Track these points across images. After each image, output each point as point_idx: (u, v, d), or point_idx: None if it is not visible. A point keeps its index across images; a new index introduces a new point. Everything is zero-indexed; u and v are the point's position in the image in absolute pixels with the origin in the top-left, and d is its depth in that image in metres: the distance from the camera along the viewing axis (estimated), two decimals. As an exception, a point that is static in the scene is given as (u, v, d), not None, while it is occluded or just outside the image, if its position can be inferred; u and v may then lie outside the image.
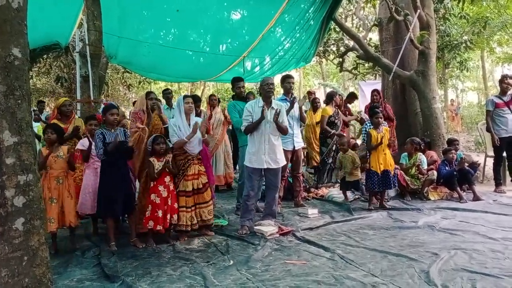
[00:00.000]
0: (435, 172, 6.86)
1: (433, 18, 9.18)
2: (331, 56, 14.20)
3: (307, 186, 7.67)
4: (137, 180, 5.35)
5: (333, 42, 13.25)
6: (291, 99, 6.09)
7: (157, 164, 4.76)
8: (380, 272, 3.63)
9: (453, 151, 7.01)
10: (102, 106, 5.69)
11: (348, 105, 9.42)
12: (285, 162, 5.54)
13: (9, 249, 2.33)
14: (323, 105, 8.43)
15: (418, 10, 8.38)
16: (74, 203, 4.62)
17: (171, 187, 4.80)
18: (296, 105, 6.13)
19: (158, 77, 12.12)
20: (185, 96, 5.14)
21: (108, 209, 4.62)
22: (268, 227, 5.02)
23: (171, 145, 5.01)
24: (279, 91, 15.51)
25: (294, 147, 6.19)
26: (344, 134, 7.97)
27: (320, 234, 5.01)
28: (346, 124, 8.32)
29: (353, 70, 14.54)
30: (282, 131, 5.31)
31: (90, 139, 4.88)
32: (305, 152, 8.23)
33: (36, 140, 7.20)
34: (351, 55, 15.42)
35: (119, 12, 7.33)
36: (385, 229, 5.10)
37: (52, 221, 4.35)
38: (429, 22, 8.62)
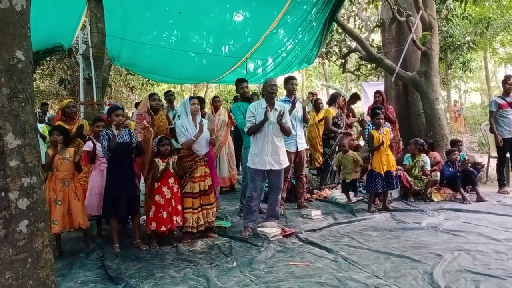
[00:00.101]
0: (438, 173, 6.84)
1: (435, 19, 9.17)
2: (334, 57, 14.18)
3: (310, 188, 7.66)
4: (142, 182, 5.36)
5: (335, 43, 13.23)
6: (292, 100, 6.09)
7: (162, 165, 4.79)
8: (384, 273, 3.63)
9: (457, 152, 6.99)
10: (107, 107, 5.71)
11: (351, 106, 9.42)
12: (288, 164, 5.54)
13: (13, 252, 2.33)
14: (325, 106, 8.43)
15: (421, 11, 8.37)
16: (82, 205, 4.62)
17: (175, 189, 4.81)
18: (299, 106, 6.13)
19: (161, 78, 12.15)
20: (191, 98, 5.18)
21: (112, 208, 4.64)
22: (271, 229, 5.03)
23: (179, 146, 5.03)
24: (282, 92, 15.51)
25: (297, 148, 6.17)
26: (351, 133, 7.97)
27: (323, 235, 5.01)
28: (349, 126, 8.32)
29: (355, 71, 14.53)
30: (285, 132, 5.31)
31: (94, 140, 4.90)
32: (308, 154, 8.22)
33: (41, 141, 7.28)
34: (354, 56, 15.39)
35: (122, 14, 7.36)
36: (388, 231, 5.09)
37: (56, 223, 4.36)
38: (431, 23, 8.61)
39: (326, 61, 15.59)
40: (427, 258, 3.98)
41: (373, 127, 6.44)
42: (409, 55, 9.39)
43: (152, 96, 5.60)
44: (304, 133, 7.19)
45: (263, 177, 5.44)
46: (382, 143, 6.13)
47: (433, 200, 6.70)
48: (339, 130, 7.57)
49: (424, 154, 7.09)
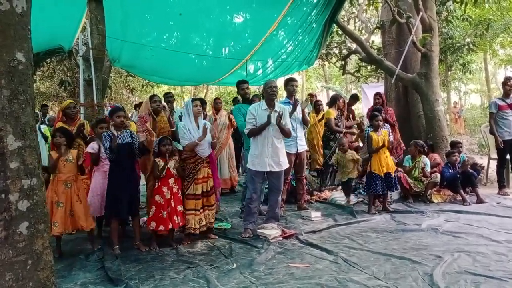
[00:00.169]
0: (438, 175, 6.84)
1: (435, 20, 9.18)
2: (334, 59, 14.21)
3: (310, 189, 7.65)
4: (142, 183, 5.37)
5: (335, 45, 13.26)
6: (293, 103, 6.09)
7: (162, 164, 4.80)
8: (384, 275, 3.63)
9: (456, 154, 6.98)
10: (109, 109, 5.72)
11: (352, 107, 9.42)
12: (288, 165, 5.54)
13: (13, 253, 2.34)
14: (325, 107, 8.43)
15: (421, 13, 8.38)
16: (85, 207, 4.61)
17: (175, 190, 4.81)
18: (298, 108, 6.13)
19: (161, 80, 12.16)
20: (193, 99, 5.17)
21: (113, 209, 4.64)
22: (271, 230, 5.02)
23: (180, 148, 5.04)
24: (282, 94, 15.52)
25: (297, 150, 6.16)
26: (355, 131, 7.97)
27: (323, 237, 5.01)
28: (348, 128, 8.32)
29: (355, 73, 14.57)
30: (285, 134, 5.31)
31: (99, 142, 4.91)
32: (308, 155, 8.22)
33: (43, 141, 7.30)
34: (354, 58, 15.42)
35: (122, 16, 7.37)
36: (388, 232, 5.09)
37: (56, 225, 4.35)
38: (431, 25, 8.62)
39: (326, 62, 15.64)
40: (427, 259, 3.98)
41: (372, 129, 6.44)
42: (409, 57, 9.40)
43: (152, 98, 5.60)
44: (304, 135, 7.20)
45: (263, 179, 5.44)
46: (383, 145, 6.14)
47: (433, 202, 6.69)
48: (344, 130, 7.62)
49: (424, 156, 7.09)
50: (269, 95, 5.34)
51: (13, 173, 2.36)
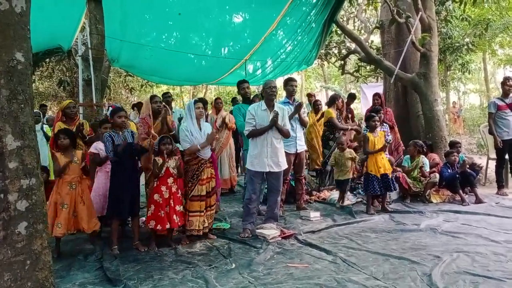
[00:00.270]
0: (437, 175, 6.85)
1: (434, 20, 9.19)
2: (333, 59, 14.22)
3: (309, 189, 7.66)
4: (142, 183, 5.37)
5: (334, 44, 13.27)
6: (297, 104, 6.08)
7: (161, 164, 4.80)
8: (382, 275, 3.63)
9: (455, 154, 6.99)
10: (110, 109, 5.71)
11: (351, 106, 9.44)
12: (287, 165, 5.53)
13: (12, 253, 2.34)
14: (324, 107, 8.43)
15: (420, 13, 8.39)
16: (88, 208, 4.59)
17: (173, 189, 4.80)
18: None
19: (160, 80, 12.16)
20: (195, 101, 5.13)
21: (114, 208, 4.65)
22: (270, 230, 5.02)
23: (181, 148, 5.04)
24: (281, 94, 15.52)
25: (297, 150, 6.16)
26: (359, 128, 8.00)
27: (322, 237, 5.01)
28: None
29: (355, 73, 14.58)
30: (284, 134, 5.30)
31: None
32: (307, 155, 8.22)
33: (45, 140, 7.29)
34: (353, 58, 15.42)
35: (121, 16, 7.37)
36: (387, 232, 5.09)
37: (60, 226, 4.36)
38: (430, 24, 8.63)
39: (325, 62, 15.65)
40: (426, 259, 3.98)
41: (368, 130, 6.43)
42: (408, 57, 9.41)
43: (153, 98, 5.55)
44: (304, 135, 7.19)
45: (262, 179, 5.44)
46: (381, 148, 6.15)
47: (432, 202, 6.70)
48: (349, 127, 7.62)
49: (423, 156, 7.10)
50: (268, 95, 5.34)
51: (12, 173, 2.36)
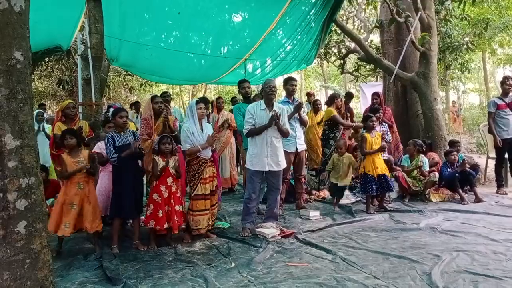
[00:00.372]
0: (436, 174, 6.85)
1: (434, 19, 9.19)
2: (332, 58, 14.20)
3: (309, 188, 7.66)
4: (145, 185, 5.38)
5: (334, 44, 13.25)
6: (296, 103, 6.08)
7: (161, 163, 4.80)
8: (382, 274, 3.63)
9: (455, 153, 7.00)
10: (111, 109, 5.70)
11: (350, 106, 9.43)
12: (286, 164, 5.53)
13: (11, 252, 2.33)
14: (324, 106, 8.42)
15: (419, 12, 8.39)
16: (94, 208, 4.58)
17: (173, 189, 4.80)
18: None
19: (159, 79, 12.13)
20: (197, 101, 5.12)
21: (118, 209, 4.66)
22: (270, 229, 5.02)
23: (182, 149, 5.04)
24: (281, 93, 15.52)
25: (296, 149, 6.16)
26: (360, 125, 7.99)
27: (322, 236, 5.01)
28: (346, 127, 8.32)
29: (354, 72, 14.55)
30: (283, 133, 5.30)
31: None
32: (306, 155, 8.21)
33: (47, 140, 7.28)
34: (353, 57, 15.42)
35: (121, 15, 7.35)
36: (386, 231, 5.09)
37: (68, 226, 4.37)
38: (430, 24, 8.63)
39: (325, 62, 15.63)
40: (426, 258, 3.98)
41: (365, 130, 6.41)
42: (407, 56, 9.42)
43: (154, 99, 5.50)
44: (303, 134, 7.19)
45: (261, 178, 5.43)
46: (379, 149, 6.15)
47: (431, 201, 6.70)
48: (354, 124, 7.64)
49: (423, 155, 7.10)
50: (268, 94, 5.33)
51: (11, 172, 2.36)
